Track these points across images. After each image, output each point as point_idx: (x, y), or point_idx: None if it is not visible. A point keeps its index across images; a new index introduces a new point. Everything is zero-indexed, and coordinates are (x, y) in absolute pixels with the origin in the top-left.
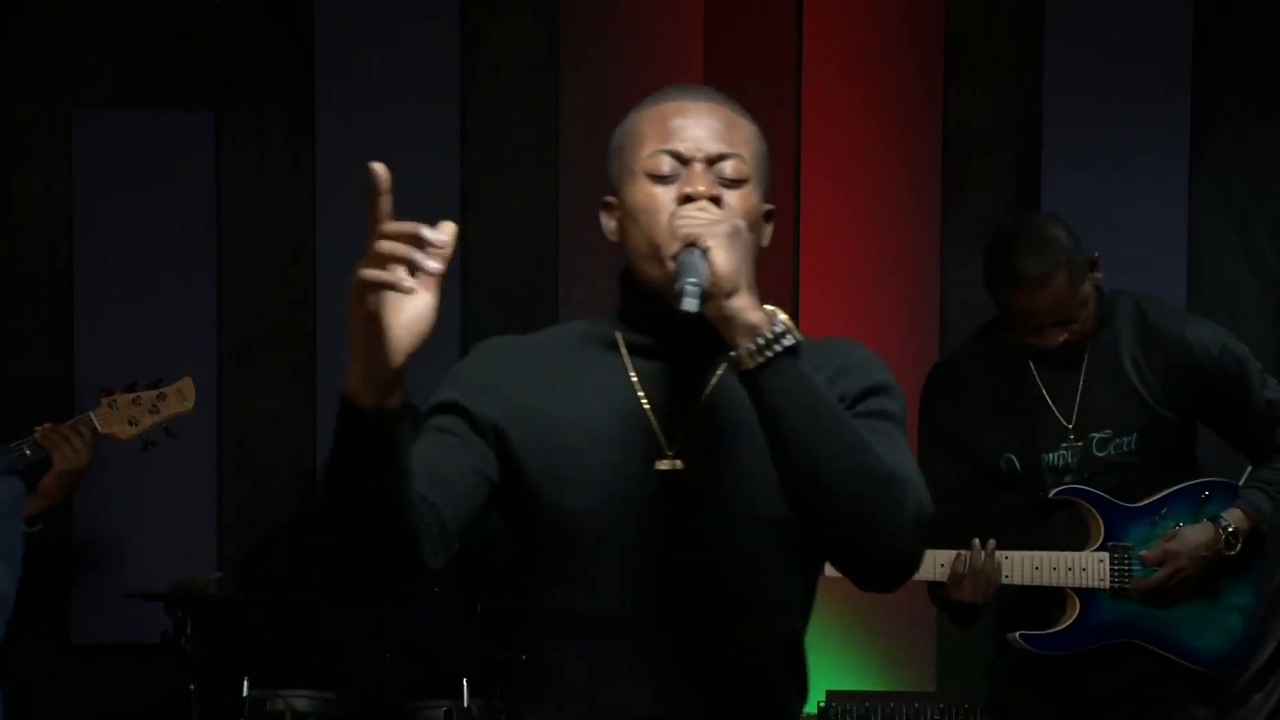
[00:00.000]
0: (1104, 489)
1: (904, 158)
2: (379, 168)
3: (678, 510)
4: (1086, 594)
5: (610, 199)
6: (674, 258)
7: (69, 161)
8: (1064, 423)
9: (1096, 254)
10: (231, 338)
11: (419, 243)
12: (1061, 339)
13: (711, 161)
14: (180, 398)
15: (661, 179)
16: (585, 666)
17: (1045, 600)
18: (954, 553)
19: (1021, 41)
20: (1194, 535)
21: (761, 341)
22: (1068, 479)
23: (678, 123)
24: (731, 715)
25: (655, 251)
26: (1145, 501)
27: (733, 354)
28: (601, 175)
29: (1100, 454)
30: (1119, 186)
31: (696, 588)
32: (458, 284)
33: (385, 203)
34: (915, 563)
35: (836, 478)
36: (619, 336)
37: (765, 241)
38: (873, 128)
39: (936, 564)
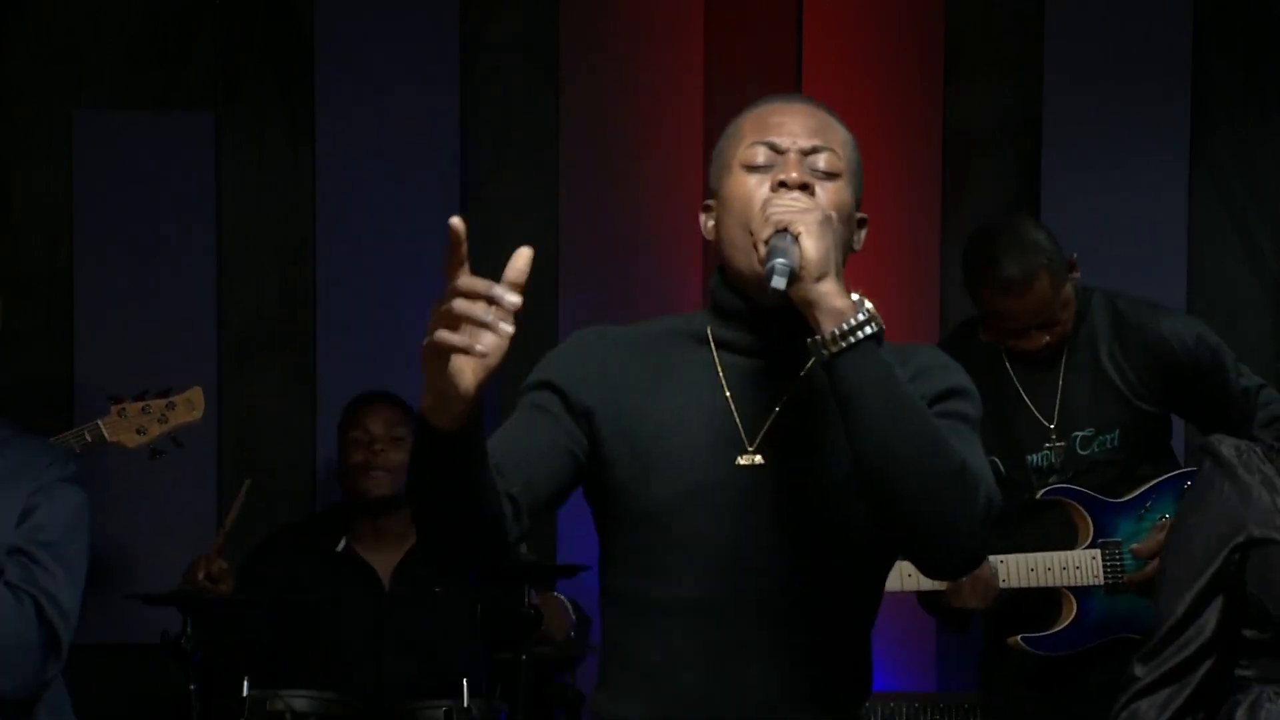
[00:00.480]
0: (1088, 486)
1: (904, 158)
2: (456, 221)
3: (756, 505)
4: (1082, 592)
5: (709, 202)
6: (766, 242)
7: (69, 161)
8: (1045, 423)
9: (1074, 254)
10: (231, 338)
11: (492, 301)
12: (1044, 341)
13: (805, 154)
14: (189, 407)
15: (757, 168)
16: (657, 651)
17: (1039, 601)
18: None
19: (1021, 41)
20: None
21: (846, 327)
22: (1052, 479)
23: (775, 120)
24: (796, 709)
25: (748, 239)
26: (1130, 496)
27: (816, 338)
28: (611, 174)
29: (1084, 452)
30: (1119, 186)
31: (770, 582)
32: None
33: (462, 254)
34: (983, 552)
35: (911, 463)
36: (709, 331)
37: (858, 246)
38: (873, 128)
39: None
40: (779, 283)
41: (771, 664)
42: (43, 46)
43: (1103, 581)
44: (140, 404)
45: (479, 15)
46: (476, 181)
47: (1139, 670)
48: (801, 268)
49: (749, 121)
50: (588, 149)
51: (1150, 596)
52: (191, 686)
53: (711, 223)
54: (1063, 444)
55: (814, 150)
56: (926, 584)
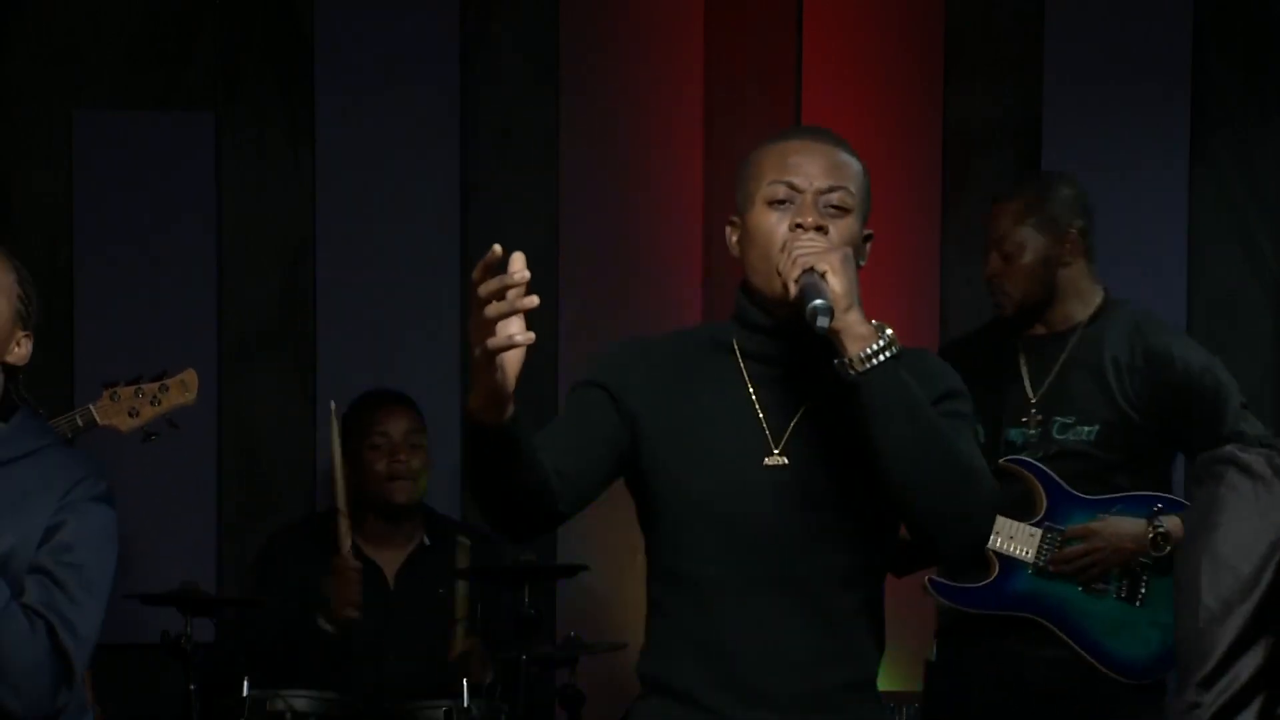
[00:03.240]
0: (1057, 474)
1: (904, 158)
2: (498, 249)
3: (782, 499)
4: (1008, 562)
5: (734, 219)
6: (796, 281)
7: (69, 161)
8: (1030, 399)
9: (1075, 229)
10: (231, 338)
11: (507, 292)
12: (988, 269)
13: (821, 193)
14: (183, 389)
15: (778, 204)
16: (703, 620)
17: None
18: None
19: (1021, 41)
20: (1122, 524)
21: (871, 350)
22: (1023, 455)
23: (794, 159)
24: (828, 668)
25: (770, 268)
26: (1096, 496)
27: (844, 359)
28: (611, 174)
29: (1059, 437)
30: (1119, 186)
31: (798, 561)
32: (457, 284)
33: (488, 273)
34: (985, 541)
35: (931, 467)
36: (735, 343)
37: (863, 261)
38: (873, 128)
39: None
40: (824, 322)
41: (805, 631)
42: (43, 46)
43: (1032, 562)
44: (133, 387)
45: (479, 15)
46: (476, 181)
47: (1200, 696)
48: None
49: (771, 157)
50: (588, 149)
51: (1067, 580)
52: (191, 686)
53: (735, 239)
54: (1041, 424)
55: (829, 190)
56: None
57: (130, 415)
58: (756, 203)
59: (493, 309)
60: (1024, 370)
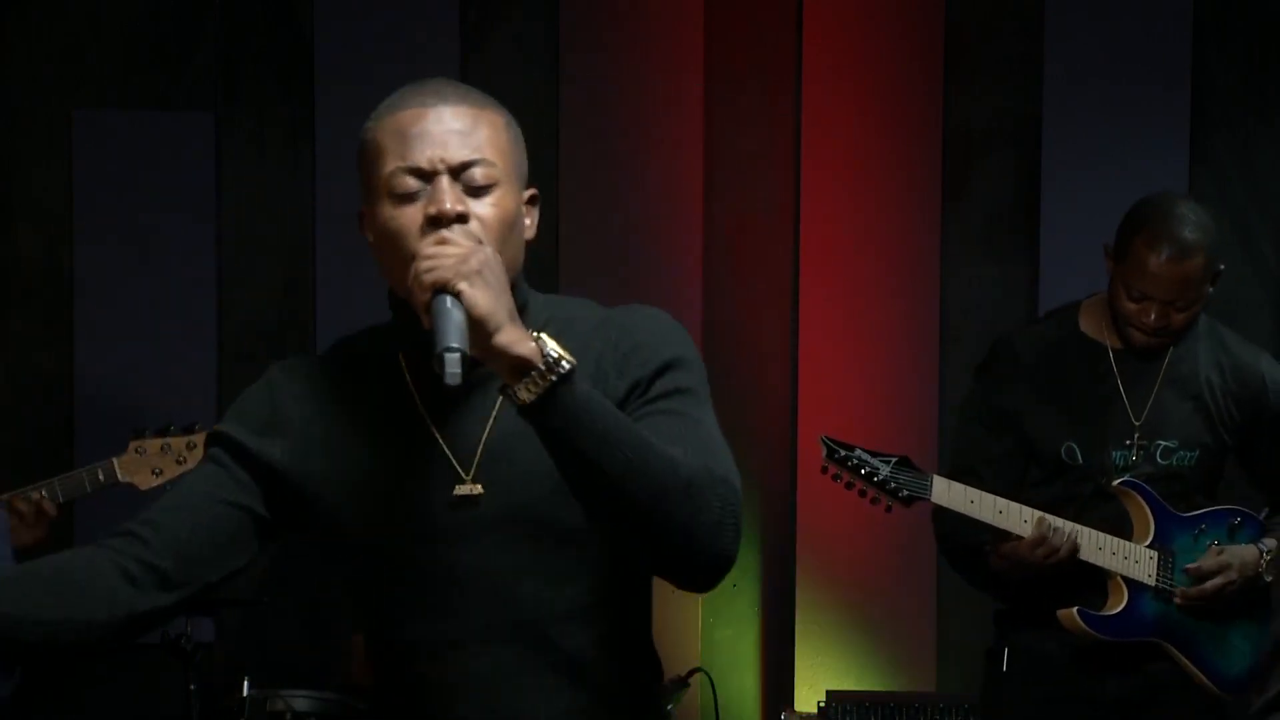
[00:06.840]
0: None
1: (904, 158)
2: None
3: (484, 531)
4: (1133, 586)
5: (365, 210)
6: (427, 310)
7: (68, 161)
8: (1134, 422)
9: (1223, 267)
10: (231, 338)
11: None
12: (1163, 323)
13: (456, 171)
14: None
15: (406, 198)
16: (427, 688)
17: (1070, 583)
18: (1040, 513)
19: (1021, 41)
20: (1243, 553)
21: (535, 374)
22: (1126, 477)
23: (416, 132)
24: (573, 714)
25: (410, 271)
26: (1190, 513)
27: (507, 388)
28: (611, 174)
29: (1163, 462)
30: (1119, 186)
31: (520, 604)
32: None
33: None
34: (729, 560)
35: (632, 496)
36: (401, 357)
37: (530, 234)
38: (873, 128)
39: (1021, 518)
40: (454, 379)
41: (544, 681)
42: (43, 46)
43: (1154, 583)
44: (160, 441)
45: (479, 15)
46: None
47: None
48: (472, 324)
49: (387, 133)
50: (588, 149)
51: (1194, 613)
52: (191, 686)
53: (371, 237)
54: (1145, 447)
55: (464, 165)
56: (1011, 523)
57: (154, 474)
58: (381, 196)
59: None
60: (1121, 388)
